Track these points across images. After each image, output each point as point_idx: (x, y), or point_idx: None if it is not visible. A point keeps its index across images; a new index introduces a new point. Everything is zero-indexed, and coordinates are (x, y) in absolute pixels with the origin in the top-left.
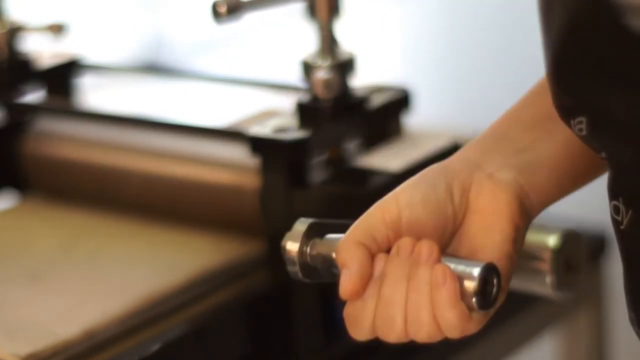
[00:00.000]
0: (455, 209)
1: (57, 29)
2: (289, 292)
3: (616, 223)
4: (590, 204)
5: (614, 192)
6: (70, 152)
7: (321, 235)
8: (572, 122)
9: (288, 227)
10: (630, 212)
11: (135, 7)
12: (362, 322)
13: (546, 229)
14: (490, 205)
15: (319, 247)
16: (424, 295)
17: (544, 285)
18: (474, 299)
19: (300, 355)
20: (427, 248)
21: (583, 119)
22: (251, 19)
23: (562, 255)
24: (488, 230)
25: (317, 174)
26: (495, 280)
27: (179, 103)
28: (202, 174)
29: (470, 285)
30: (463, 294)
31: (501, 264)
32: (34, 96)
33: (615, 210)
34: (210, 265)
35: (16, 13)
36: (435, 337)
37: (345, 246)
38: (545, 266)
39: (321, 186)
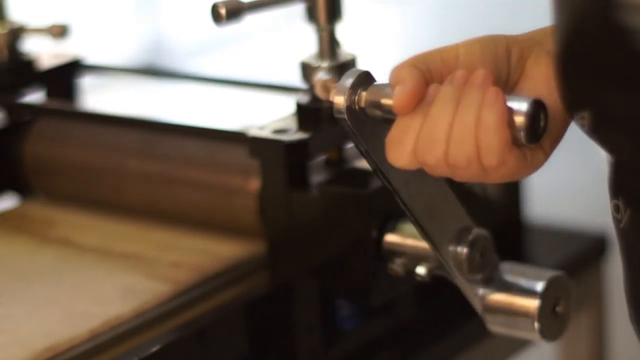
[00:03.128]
0: (510, 70)
1: (58, 30)
2: (289, 294)
3: (616, 221)
4: (590, 205)
5: (615, 190)
6: (70, 154)
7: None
8: (576, 115)
9: (288, 228)
10: (629, 210)
11: (134, 9)
12: (405, 142)
13: (534, 273)
14: (545, 74)
15: (368, 94)
16: (472, 115)
17: (531, 331)
18: (522, 132)
19: (300, 356)
20: (482, 74)
21: (586, 114)
22: (251, 21)
23: (549, 301)
24: (539, 95)
25: (317, 175)
26: (542, 116)
27: (180, 104)
28: (201, 175)
29: (519, 117)
30: (511, 124)
31: (550, 107)
32: (34, 97)
33: (616, 208)
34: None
35: (16, 14)
36: (473, 164)
37: (401, 66)
38: (533, 311)
39: (321, 187)
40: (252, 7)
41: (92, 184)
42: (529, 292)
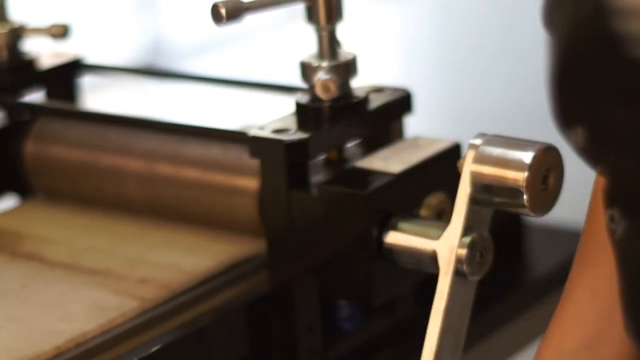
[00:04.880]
0: None
1: (58, 30)
2: (289, 293)
3: (611, 232)
4: None
5: (610, 201)
6: (70, 154)
7: None
8: (569, 132)
9: (288, 228)
10: (624, 221)
11: (134, 9)
12: None
13: (524, 145)
14: None
15: None
16: None
17: (521, 204)
18: None
19: (300, 356)
20: None
21: (581, 129)
22: (251, 21)
23: (538, 173)
24: None
25: (317, 175)
26: None
27: (180, 104)
28: (201, 175)
29: None
30: None
31: None
32: (34, 97)
33: (611, 219)
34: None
35: (16, 14)
36: None
37: None
38: (521, 184)
39: (321, 187)
40: (252, 7)
41: (92, 184)
42: (517, 164)
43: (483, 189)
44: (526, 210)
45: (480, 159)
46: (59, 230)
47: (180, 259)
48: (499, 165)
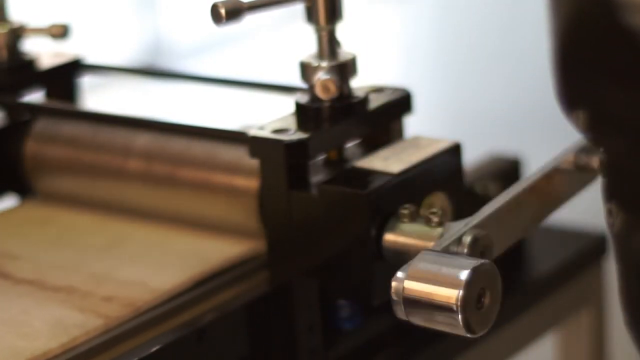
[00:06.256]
0: None
1: (58, 30)
2: (289, 293)
3: (610, 226)
4: (590, 205)
5: (608, 194)
6: (70, 154)
7: None
8: (572, 114)
9: (288, 228)
10: (622, 214)
11: (134, 9)
12: None
13: (460, 263)
14: None
15: None
16: None
17: (455, 324)
18: None
19: (300, 356)
20: None
21: (582, 112)
22: (251, 21)
23: (473, 291)
24: None
25: (317, 175)
26: None
27: (180, 104)
28: (201, 175)
29: None
30: None
31: None
32: (34, 97)
33: (609, 213)
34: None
35: (16, 14)
36: None
37: None
38: (455, 302)
39: (321, 187)
40: (252, 7)
41: (92, 185)
42: (451, 282)
43: (414, 307)
44: (460, 331)
45: (414, 276)
46: (27, 243)
47: (148, 275)
48: (432, 282)
